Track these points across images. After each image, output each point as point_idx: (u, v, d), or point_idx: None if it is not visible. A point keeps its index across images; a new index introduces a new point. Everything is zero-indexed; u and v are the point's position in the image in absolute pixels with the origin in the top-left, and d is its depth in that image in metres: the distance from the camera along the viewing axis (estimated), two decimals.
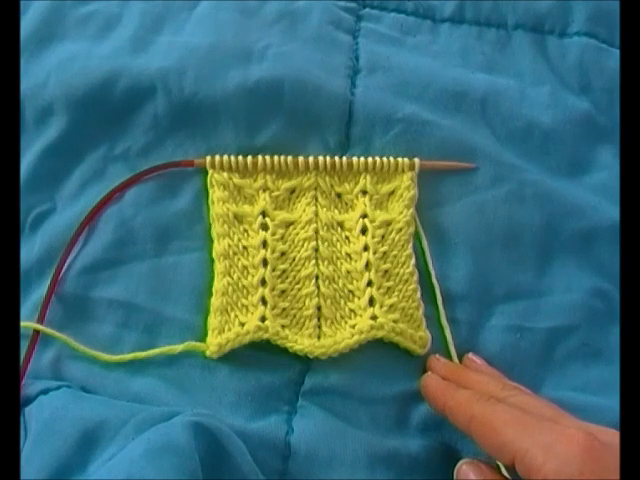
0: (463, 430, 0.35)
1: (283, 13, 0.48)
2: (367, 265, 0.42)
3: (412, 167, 0.44)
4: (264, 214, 0.43)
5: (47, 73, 0.45)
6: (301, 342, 0.40)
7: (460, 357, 0.42)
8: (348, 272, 0.42)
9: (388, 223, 0.43)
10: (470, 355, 0.41)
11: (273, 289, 0.41)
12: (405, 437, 0.39)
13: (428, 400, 0.39)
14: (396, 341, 0.41)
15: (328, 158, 0.43)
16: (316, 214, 0.43)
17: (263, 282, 0.41)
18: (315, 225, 0.43)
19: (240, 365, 0.40)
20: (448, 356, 0.41)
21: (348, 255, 0.43)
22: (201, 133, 0.44)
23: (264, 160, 0.43)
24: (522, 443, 0.31)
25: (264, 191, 0.43)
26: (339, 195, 0.44)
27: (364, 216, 0.43)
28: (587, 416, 0.34)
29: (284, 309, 0.41)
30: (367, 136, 0.45)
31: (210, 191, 0.43)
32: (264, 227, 0.42)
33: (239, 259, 0.42)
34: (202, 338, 0.41)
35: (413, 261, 0.42)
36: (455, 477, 0.36)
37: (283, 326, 0.41)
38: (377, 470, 0.38)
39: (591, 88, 0.49)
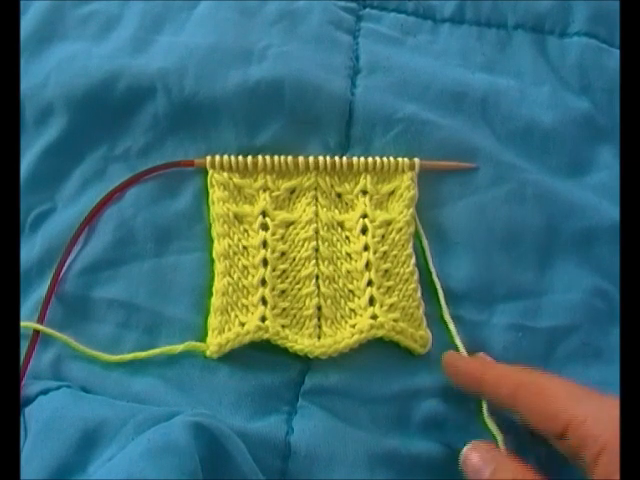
0: (501, 401, 0.34)
1: (283, 13, 0.48)
2: (367, 265, 0.42)
3: (412, 167, 0.44)
4: (264, 214, 0.43)
5: (47, 73, 0.45)
6: (301, 342, 0.40)
7: None
8: (348, 272, 0.42)
9: (388, 223, 0.43)
10: (481, 355, 0.41)
11: (273, 289, 0.41)
12: (405, 437, 0.39)
13: (457, 375, 0.38)
14: (396, 340, 0.41)
15: (328, 158, 0.43)
16: (316, 214, 0.43)
17: (263, 282, 0.41)
18: (315, 225, 0.43)
19: (240, 365, 0.40)
20: (455, 350, 0.41)
21: (348, 255, 0.43)
22: (201, 133, 0.44)
23: (264, 160, 0.43)
24: (577, 412, 0.30)
25: (264, 191, 0.43)
26: (339, 195, 0.44)
27: (364, 216, 0.43)
28: None
29: (284, 309, 0.41)
30: (367, 136, 0.45)
31: (210, 191, 0.43)
32: (264, 227, 0.42)
33: (239, 259, 0.42)
34: (202, 338, 0.41)
35: (413, 260, 0.42)
36: (460, 462, 0.36)
37: (283, 326, 0.41)
38: (377, 470, 0.38)
39: (591, 88, 0.49)
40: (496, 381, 0.35)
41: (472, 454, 0.36)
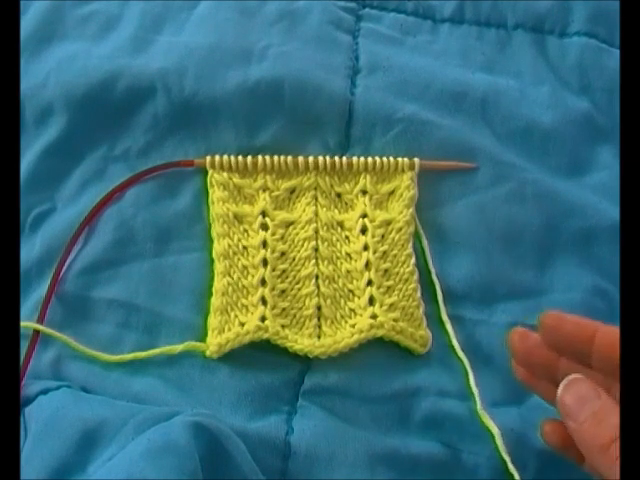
0: (614, 358, 0.31)
1: (283, 13, 0.48)
2: (367, 264, 0.42)
3: (412, 167, 0.44)
4: (264, 214, 0.43)
5: (47, 73, 0.45)
6: (301, 342, 0.40)
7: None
8: (348, 272, 0.42)
9: (388, 223, 0.43)
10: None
11: (273, 289, 0.41)
12: (405, 437, 0.39)
13: (565, 330, 0.34)
14: (396, 340, 0.41)
15: (328, 158, 0.43)
16: (316, 214, 0.43)
17: (263, 282, 0.41)
18: (315, 225, 0.43)
19: (240, 365, 0.40)
20: (452, 351, 0.41)
21: (348, 255, 0.43)
22: (201, 133, 0.45)
23: (264, 160, 0.43)
24: None
25: (264, 191, 0.43)
26: (339, 195, 0.44)
27: (364, 216, 0.43)
28: None
29: (284, 309, 0.41)
30: (367, 136, 0.45)
31: (210, 191, 0.43)
32: (264, 227, 0.42)
33: (239, 259, 0.42)
34: (202, 338, 0.41)
35: (413, 260, 0.42)
36: (557, 401, 0.32)
37: (283, 326, 0.41)
38: (377, 470, 0.38)
39: (591, 88, 0.49)
40: (614, 338, 0.31)
41: (569, 390, 0.31)
